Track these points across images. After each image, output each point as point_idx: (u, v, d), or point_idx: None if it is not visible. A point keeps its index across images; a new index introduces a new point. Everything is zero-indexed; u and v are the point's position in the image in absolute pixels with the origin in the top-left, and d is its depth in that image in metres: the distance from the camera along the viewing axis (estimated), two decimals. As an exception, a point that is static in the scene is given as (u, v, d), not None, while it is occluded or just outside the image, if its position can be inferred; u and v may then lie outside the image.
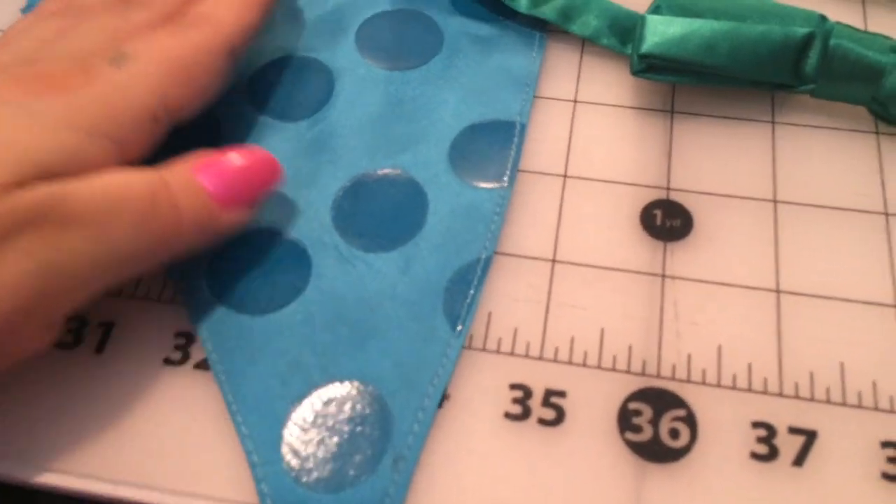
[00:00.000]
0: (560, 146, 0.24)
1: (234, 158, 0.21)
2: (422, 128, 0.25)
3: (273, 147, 0.24)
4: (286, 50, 0.27)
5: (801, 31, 0.23)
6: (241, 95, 0.26)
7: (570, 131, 0.25)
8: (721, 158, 0.24)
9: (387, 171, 0.24)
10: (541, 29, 0.27)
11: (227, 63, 0.22)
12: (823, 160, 0.24)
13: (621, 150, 0.24)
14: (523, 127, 0.25)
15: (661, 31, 0.24)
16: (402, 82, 0.26)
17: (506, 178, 0.24)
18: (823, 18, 0.23)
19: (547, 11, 0.26)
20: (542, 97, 0.26)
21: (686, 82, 0.24)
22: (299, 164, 0.24)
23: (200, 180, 0.20)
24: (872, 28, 0.26)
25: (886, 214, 0.23)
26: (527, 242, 0.23)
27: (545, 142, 0.25)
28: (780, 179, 0.23)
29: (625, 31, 0.26)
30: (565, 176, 0.24)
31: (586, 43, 0.27)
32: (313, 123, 0.25)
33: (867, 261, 0.22)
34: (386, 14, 0.27)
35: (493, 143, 0.24)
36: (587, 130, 0.25)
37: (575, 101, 0.25)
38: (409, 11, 0.27)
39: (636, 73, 0.24)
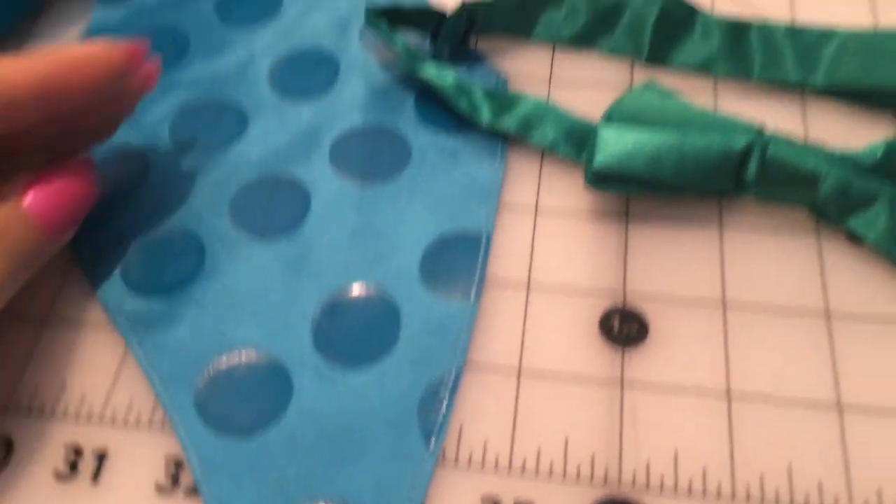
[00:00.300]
0: (523, 255, 0.26)
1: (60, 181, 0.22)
2: (394, 242, 0.26)
3: (257, 266, 0.26)
4: (265, 167, 0.28)
5: (741, 143, 0.25)
6: (223, 214, 0.27)
7: (532, 239, 0.26)
8: (673, 262, 0.26)
9: (362, 288, 0.25)
10: (502, 138, 0.29)
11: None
12: (768, 262, 0.25)
13: (580, 256, 0.26)
14: (489, 237, 0.26)
15: (612, 145, 0.25)
16: (375, 197, 0.27)
17: (473, 291, 0.25)
18: (761, 131, 0.25)
19: (508, 123, 0.28)
20: (504, 205, 0.27)
21: (636, 193, 0.26)
22: (280, 283, 0.26)
23: (32, 210, 0.22)
24: (811, 128, 0.28)
25: (828, 315, 0.24)
26: (493, 354, 0.24)
27: (509, 250, 0.26)
28: (729, 282, 0.25)
29: (580, 140, 0.27)
30: (528, 285, 0.25)
31: (545, 151, 0.28)
32: (292, 241, 0.27)
33: (811, 363, 0.23)
34: (357, 130, 0.29)
35: (461, 255, 0.26)
36: (548, 238, 0.26)
37: (536, 208, 0.27)
38: (379, 126, 0.29)
39: (589, 184, 0.26)
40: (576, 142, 0.27)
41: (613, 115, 0.27)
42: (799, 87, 0.28)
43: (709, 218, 0.26)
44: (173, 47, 0.31)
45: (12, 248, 0.21)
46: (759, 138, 0.25)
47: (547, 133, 0.28)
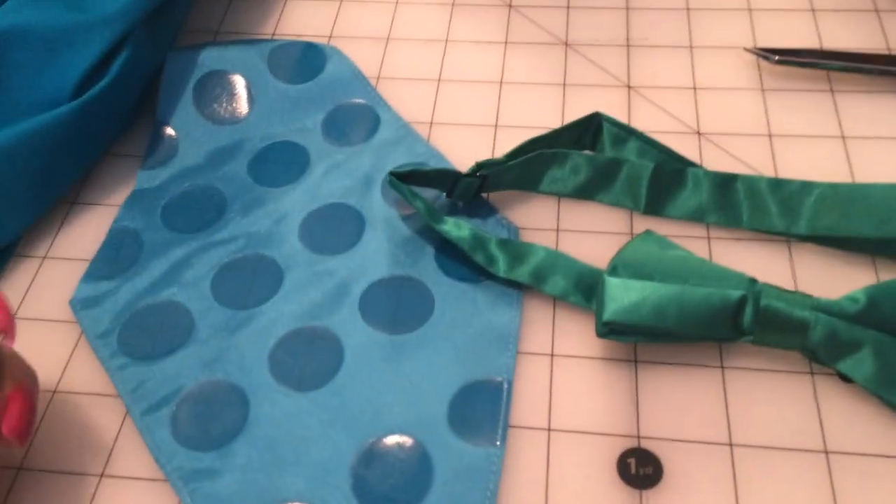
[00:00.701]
0: (542, 400, 0.28)
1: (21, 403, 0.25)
2: (423, 389, 0.29)
3: (297, 417, 0.28)
4: (300, 320, 0.31)
5: (736, 294, 0.27)
6: (263, 368, 0.29)
7: (550, 384, 0.29)
8: (681, 405, 0.28)
9: (396, 436, 0.27)
10: (518, 287, 0.31)
11: None
12: (768, 403, 0.28)
13: (596, 400, 0.28)
14: (510, 384, 0.29)
15: (618, 299, 0.28)
16: (403, 345, 0.30)
17: (498, 437, 0.27)
18: (753, 281, 0.28)
19: (521, 275, 0.31)
20: (522, 352, 0.30)
21: (643, 341, 0.28)
22: (319, 432, 0.28)
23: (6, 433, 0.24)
24: (798, 271, 0.31)
25: (826, 452, 0.26)
26: (520, 498, 0.26)
27: (529, 396, 0.28)
28: (733, 423, 0.27)
29: (589, 289, 0.30)
30: (549, 429, 0.28)
31: (557, 299, 0.31)
32: (328, 392, 0.29)
33: (813, 498, 0.25)
34: (384, 281, 0.32)
35: (485, 403, 0.28)
36: (565, 383, 0.29)
37: (552, 355, 0.30)
38: (404, 277, 0.32)
39: (600, 335, 0.28)
40: (585, 290, 0.30)
41: (618, 266, 0.29)
42: (784, 235, 0.31)
43: (711, 362, 0.29)
44: (212, 207, 0.34)
45: None
46: (752, 289, 0.28)
47: (558, 283, 0.30)
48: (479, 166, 0.33)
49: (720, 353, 0.29)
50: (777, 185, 0.32)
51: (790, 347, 0.28)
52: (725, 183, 0.32)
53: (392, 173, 0.33)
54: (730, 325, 0.28)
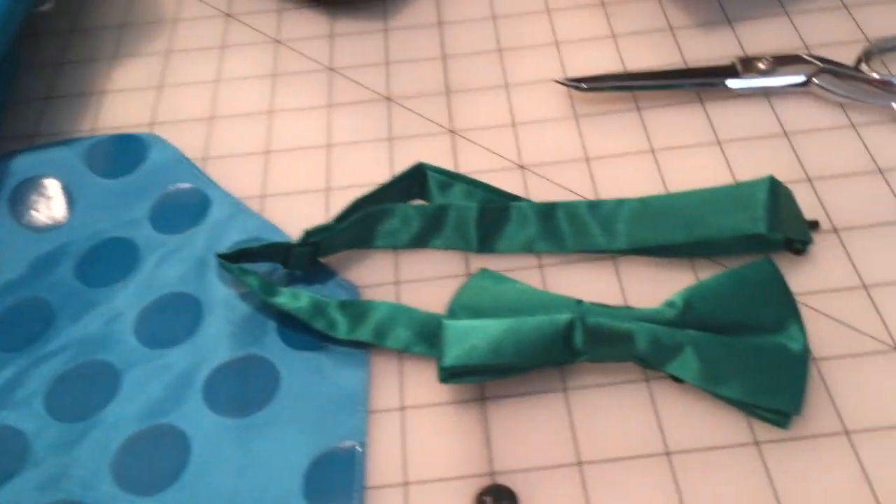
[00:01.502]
0: (396, 455, 0.28)
1: None
2: (275, 469, 0.28)
3: (143, 524, 0.27)
4: (142, 421, 0.30)
5: (564, 318, 0.28)
6: (106, 481, 0.28)
7: (403, 438, 0.29)
8: (530, 435, 0.28)
9: (250, 523, 0.27)
10: (363, 347, 0.31)
11: None
12: (609, 415, 0.28)
13: (449, 445, 0.28)
14: (363, 446, 0.28)
15: (455, 342, 0.28)
16: (251, 427, 0.29)
17: (355, 502, 0.27)
18: (580, 302, 0.29)
19: (363, 334, 0.31)
20: (374, 411, 0.29)
21: (486, 380, 0.29)
22: (170, 535, 0.27)
23: None
24: (626, 284, 0.32)
25: (668, 454, 0.27)
26: (384, 561, 0.26)
27: (383, 454, 0.28)
28: (580, 441, 0.28)
29: (431, 336, 0.30)
30: (405, 483, 0.27)
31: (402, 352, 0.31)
32: (177, 492, 0.28)
33: (659, 500, 0.26)
34: (227, 364, 0.31)
35: (339, 470, 0.28)
36: (417, 434, 0.29)
37: (402, 408, 0.30)
38: (247, 357, 0.31)
39: (442, 381, 0.28)
40: (427, 339, 0.30)
41: (455, 309, 0.30)
42: (608, 252, 0.33)
43: (555, 387, 0.29)
44: (39, 319, 0.33)
45: None
46: (579, 309, 0.28)
47: (400, 336, 0.31)
48: (309, 234, 0.33)
49: (562, 378, 0.30)
50: (594, 206, 0.33)
51: (622, 359, 0.29)
52: (548, 212, 0.34)
53: (220, 255, 0.32)
54: (564, 348, 0.28)
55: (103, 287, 0.34)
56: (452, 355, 0.28)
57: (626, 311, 0.29)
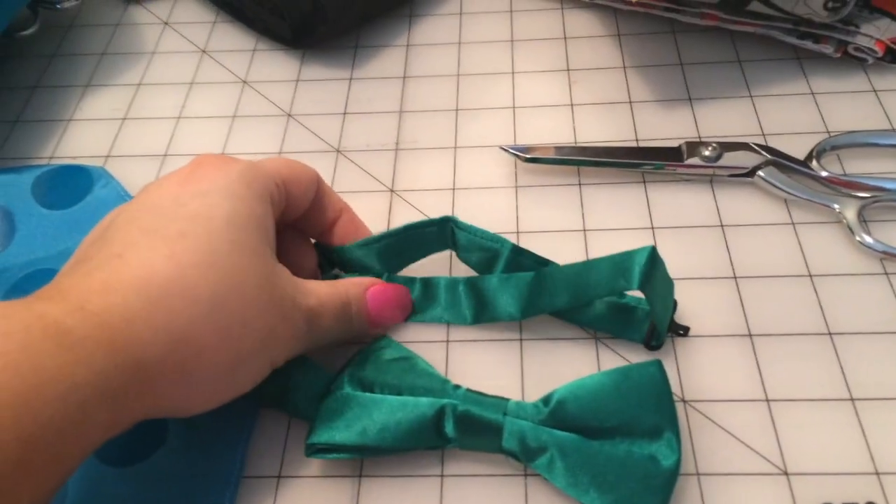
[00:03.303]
0: (262, 525, 0.28)
1: (391, 290, 0.32)
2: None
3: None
4: None
5: (436, 404, 0.28)
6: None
7: (273, 507, 0.29)
8: (396, 519, 0.28)
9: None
10: (254, 404, 0.31)
11: None
12: (480, 507, 0.28)
13: (315, 520, 0.28)
14: (232, 510, 0.29)
15: (325, 420, 0.28)
16: (128, 479, 0.29)
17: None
18: (457, 387, 0.29)
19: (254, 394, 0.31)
20: (250, 476, 0.30)
21: (353, 457, 0.29)
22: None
23: (368, 301, 0.31)
24: (527, 366, 0.31)
25: (526, 558, 0.27)
26: None
27: (250, 522, 0.28)
28: (443, 534, 0.27)
29: (318, 398, 0.30)
30: (264, 556, 0.27)
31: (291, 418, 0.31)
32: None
33: None
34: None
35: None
36: (288, 504, 0.29)
37: (279, 477, 0.30)
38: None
39: (307, 455, 0.29)
40: (317, 404, 0.30)
41: (345, 378, 0.30)
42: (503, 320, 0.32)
43: (432, 471, 0.29)
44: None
45: (347, 317, 0.31)
46: (454, 395, 0.28)
47: (299, 401, 0.31)
48: None
49: (441, 462, 0.29)
50: (493, 279, 0.33)
51: (491, 451, 0.28)
52: (452, 285, 0.33)
53: None
54: (434, 435, 0.28)
55: (25, 318, 0.35)
56: (318, 433, 0.28)
57: (498, 403, 0.28)
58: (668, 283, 0.31)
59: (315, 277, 0.34)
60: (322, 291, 0.30)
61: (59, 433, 0.21)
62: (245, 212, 0.27)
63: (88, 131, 0.43)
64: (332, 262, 0.34)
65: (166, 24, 0.49)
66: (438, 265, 0.35)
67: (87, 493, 0.29)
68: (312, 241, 0.35)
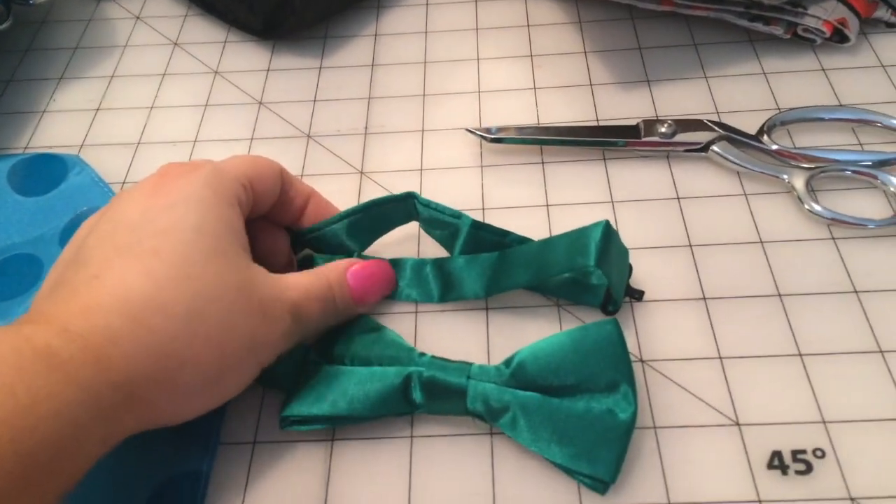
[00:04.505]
0: (239, 489, 0.29)
1: (371, 266, 0.33)
2: (120, 490, 0.29)
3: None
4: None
5: (402, 372, 0.29)
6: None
7: (248, 473, 0.30)
8: (368, 478, 0.29)
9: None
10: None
11: None
12: (447, 466, 0.29)
13: (288, 484, 0.29)
14: (207, 475, 0.29)
15: (298, 394, 0.29)
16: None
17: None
18: (422, 355, 0.30)
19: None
20: (226, 442, 0.31)
21: (326, 427, 0.30)
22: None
23: (350, 281, 0.31)
24: (492, 336, 0.33)
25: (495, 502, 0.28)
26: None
27: (225, 488, 0.29)
28: (414, 490, 0.29)
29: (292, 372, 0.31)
30: (240, 517, 0.28)
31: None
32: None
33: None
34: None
35: (182, 498, 0.29)
36: (263, 470, 0.30)
37: (254, 442, 0.31)
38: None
39: (282, 428, 0.30)
40: (292, 377, 0.31)
41: (314, 352, 0.31)
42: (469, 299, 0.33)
43: (402, 433, 0.30)
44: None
45: (331, 302, 0.31)
46: (419, 362, 0.29)
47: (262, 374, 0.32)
48: None
49: (410, 424, 0.30)
50: (458, 260, 0.34)
51: (458, 413, 0.29)
52: (418, 266, 0.35)
53: None
54: (402, 402, 0.29)
55: (3, 301, 0.35)
56: (291, 406, 0.29)
57: (462, 367, 0.29)
58: (623, 253, 0.32)
59: (290, 261, 0.35)
60: (303, 282, 0.30)
61: (56, 448, 0.22)
62: (214, 219, 0.28)
63: (63, 122, 0.44)
64: (304, 243, 0.35)
65: (138, 18, 0.50)
66: (407, 245, 0.36)
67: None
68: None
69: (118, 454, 0.30)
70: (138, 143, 0.42)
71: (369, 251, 0.36)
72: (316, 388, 0.29)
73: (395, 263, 0.35)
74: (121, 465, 0.30)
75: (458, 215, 0.33)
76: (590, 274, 0.32)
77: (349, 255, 0.35)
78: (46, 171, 0.40)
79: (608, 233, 0.30)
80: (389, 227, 0.35)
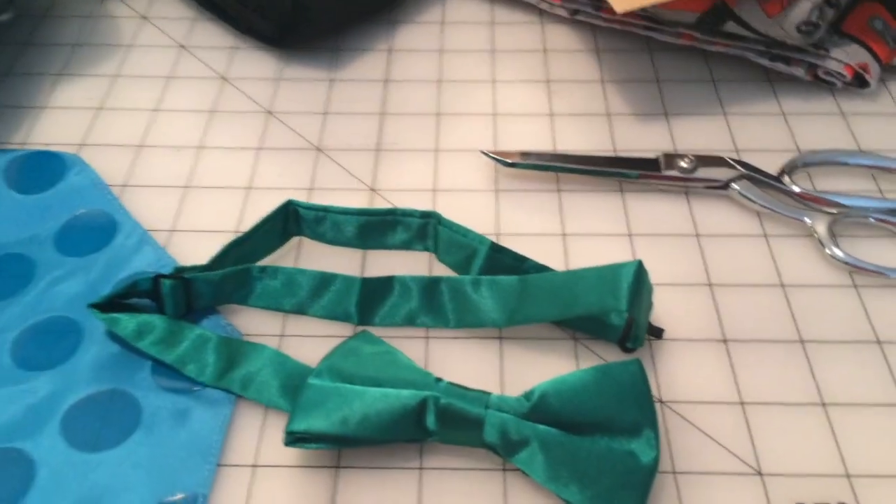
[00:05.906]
0: (236, 515, 0.28)
1: None
2: (113, 506, 0.27)
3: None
4: (-9, 445, 0.29)
5: (417, 397, 0.28)
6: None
7: (247, 499, 0.28)
8: (374, 511, 0.28)
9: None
10: (232, 394, 0.31)
11: None
12: (460, 502, 0.28)
13: (291, 512, 0.28)
14: (205, 498, 0.28)
15: (306, 408, 0.28)
16: (101, 464, 0.29)
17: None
18: (438, 380, 0.29)
19: (229, 382, 0.31)
20: (225, 465, 0.29)
21: (332, 448, 0.28)
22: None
23: None
24: (506, 363, 0.31)
25: (505, 552, 0.26)
26: None
27: (223, 512, 0.28)
28: (421, 527, 0.27)
29: (296, 390, 0.30)
30: (237, 547, 0.27)
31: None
32: (9, 520, 0.27)
33: None
34: (91, 397, 0.31)
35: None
36: (263, 495, 0.28)
37: (254, 466, 0.29)
38: (114, 391, 0.31)
39: (286, 444, 0.28)
40: (291, 393, 0.30)
41: (322, 370, 0.29)
42: (489, 327, 0.32)
43: (410, 464, 0.29)
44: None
45: None
46: (436, 388, 0.28)
47: (264, 388, 0.30)
48: (179, 270, 0.33)
49: (420, 455, 0.29)
50: (476, 282, 0.33)
51: (472, 444, 0.28)
52: (431, 286, 0.33)
53: (92, 305, 0.32)
54: (415, 427, 0.28)
55: (-11, 304, 0.34)
56: (298, 421, 0.28)
57: (480, 397, 0.28)
58: (649, 291, 0.31)
59: None
60: None
61: None
62: None
63: (62, 119, 0.42)
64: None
65: (144, 18, 0.49)
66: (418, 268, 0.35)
67: (57, 479, 0.28)
68: None
69: (113, 472, 0.28)
70: (140, 146, 0.41)
71: (376, 266, 0.35)
72: (325, 405, 0.28)
73: (403, 283, 0.34)
74: (117, 487, 0.28)
75: (478, 238, 0.32)
76: (614, 312, 0.31)
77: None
78: (44, 170, 0.38)
79: (640, 274, 0.29)
80: (398, 241, 0.34)
